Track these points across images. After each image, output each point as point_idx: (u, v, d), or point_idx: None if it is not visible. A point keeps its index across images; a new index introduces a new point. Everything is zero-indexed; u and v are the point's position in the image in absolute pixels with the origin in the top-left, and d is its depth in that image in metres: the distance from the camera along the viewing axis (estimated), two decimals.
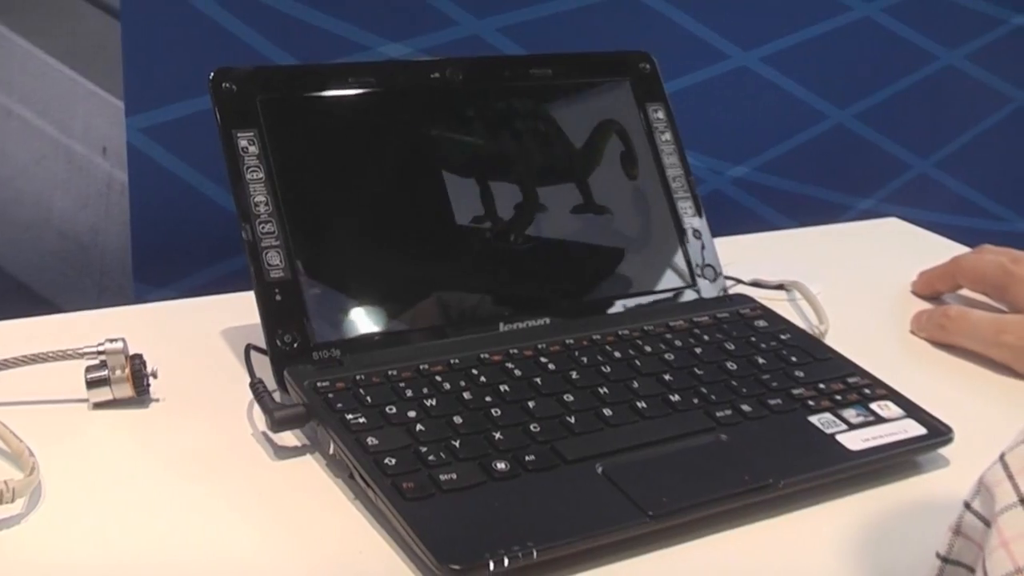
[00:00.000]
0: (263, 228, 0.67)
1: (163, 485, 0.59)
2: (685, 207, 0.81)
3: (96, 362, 0.65)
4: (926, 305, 0.88)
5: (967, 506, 0.30)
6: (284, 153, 0.69)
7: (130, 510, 0.56)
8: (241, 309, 0.77)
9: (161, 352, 0.68)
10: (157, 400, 0.66)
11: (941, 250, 1.00)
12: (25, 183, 0.83)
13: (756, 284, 0.89)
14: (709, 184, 1.09)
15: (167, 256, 0.86)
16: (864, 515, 0.59)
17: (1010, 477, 0.27)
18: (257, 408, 0.65)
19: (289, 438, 0.63)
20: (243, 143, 0.68)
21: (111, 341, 0.65)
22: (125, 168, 0.80)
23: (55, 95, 0.82)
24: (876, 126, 1.13)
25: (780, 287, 0.89)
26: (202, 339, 0.74)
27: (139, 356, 0.65)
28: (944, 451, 0.65)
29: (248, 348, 0.68)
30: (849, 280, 0.92)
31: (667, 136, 0.82)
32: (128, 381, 0.64)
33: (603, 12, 0.97)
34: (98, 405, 0.65)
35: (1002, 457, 0.28)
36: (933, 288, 0.89)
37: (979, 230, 1.15)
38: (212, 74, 0.68)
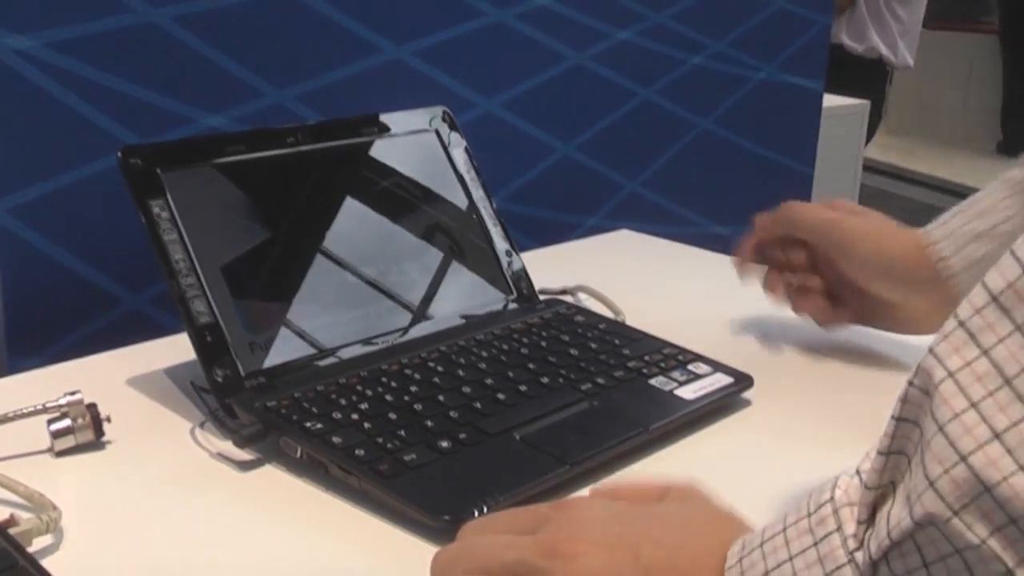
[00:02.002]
0: (186, 281, 0.77)
1: (158, 506, 0.68)
2: (495, 232, 0.97)
3: (57, 415, 0.73)
4: (692, 300, 1.08)
5: (910, 383, 0.45)
6: (189, 214, 0.79)
7: (142, 529, 0.66)
8: (131, 363, 0.87)
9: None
10: (111, 441, 0.75)
11: (669, 250, 1.24)
12: None
13: (543, 292, 1.06)
14: None
15: (34, 327, 0.92)
16: (708, 444, 0.78)
17: (941, 362, 0.44)
18: (200, 434, 0.76)
19: (241, 454, 0.74)
20: (156, 210, 0.78)
21: (70, 395, 0.73)
22: None
23: None
24: (594, 155, 1.35)
25: (564, 292, 1.07)
26: (118, 388, 0.83)
27: (94, 405, 0.74)
28: (746, 394, 0.85)
29: (193, 384, 0.78)
30: (608, 282, 1.11)
31: (471, 174, 0.98)
32: (90, 427, 0.73)
33: (376, 77, 1.12)
34: (61, 452, 0.73)
35: (931, 350, 0.44)
36: (767, 232, 0.94)
37: (680, 234, 1.39)
38: (119, 153, 0.77)
